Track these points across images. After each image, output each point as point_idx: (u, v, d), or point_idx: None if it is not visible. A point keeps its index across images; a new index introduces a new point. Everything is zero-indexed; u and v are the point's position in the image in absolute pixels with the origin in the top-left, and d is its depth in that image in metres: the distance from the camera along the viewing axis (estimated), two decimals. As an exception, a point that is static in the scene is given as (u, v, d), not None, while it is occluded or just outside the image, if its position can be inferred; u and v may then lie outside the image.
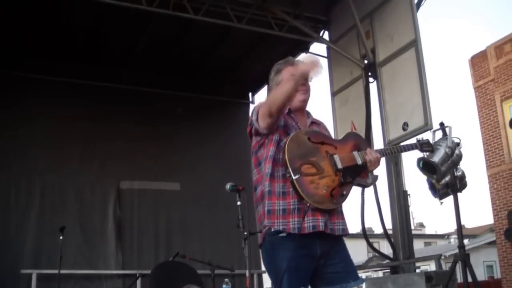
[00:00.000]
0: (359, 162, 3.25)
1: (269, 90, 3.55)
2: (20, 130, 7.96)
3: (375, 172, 3.41)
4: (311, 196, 3.13)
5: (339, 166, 3.21)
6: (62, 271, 6.71)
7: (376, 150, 3.36)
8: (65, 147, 8.28)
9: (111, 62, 8.52)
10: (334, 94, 8.24)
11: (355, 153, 3.30)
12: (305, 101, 3.49)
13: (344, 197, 3.23)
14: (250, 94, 10.24)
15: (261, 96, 10.12)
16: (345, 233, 3.27)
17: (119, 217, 8.53)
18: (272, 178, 3.21)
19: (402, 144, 3.64)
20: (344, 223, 3.29)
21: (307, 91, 3.47)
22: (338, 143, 3.34)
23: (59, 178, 8.24)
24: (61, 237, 6.48)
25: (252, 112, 3.35)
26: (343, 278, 3.22)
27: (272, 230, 3.07)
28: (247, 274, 2.97)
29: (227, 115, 9.69)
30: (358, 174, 3.26)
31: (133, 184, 8.74)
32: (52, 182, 8.21)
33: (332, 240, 3.22)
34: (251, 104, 10.18)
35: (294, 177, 3.09)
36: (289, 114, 3.46)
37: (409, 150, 3.58)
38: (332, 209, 3.20)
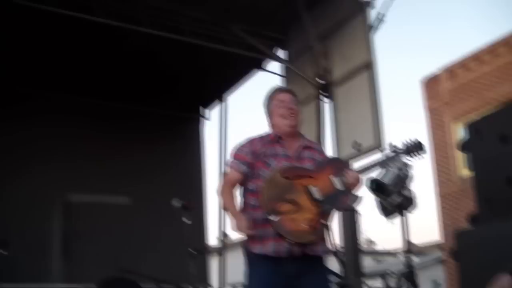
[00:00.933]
0: (339, 187, 3.29)
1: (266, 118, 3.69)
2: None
3: (360, 192, 3.44)
4: (291, 235, 3.22)
5: (316, 197, 3.26)
6: (6, 285, 6.51)
7: (356, 169, 3.43)
8: (9, 157, 8.03)
9: (53, 75, 8.31)
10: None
11: (335, 178, 3.34)
12: (292, 126, 3.57)
13: (325, 225, 3.32)
14: (203, 109, 10.20)
15: (212, 112, 10.07)
16: (325, 254, 3.40)
17: (65, 230, 8.34)
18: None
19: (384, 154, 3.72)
20: (325, 245, 3.39)
21: (295, 115, 3.56)
22: (316, 173, 3.39)
23: (2, 189, 8.02)
24: (3, 252, 6.26)
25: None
26: None
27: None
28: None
29: (178, 130, 9.63)
30: (339, 199, 3.31)
31: (81, 197, 8.57)
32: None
33: (307, 262, 3.29)
34: (201, 119, 10.13)
35: (274, 220, 3.18)
36: (278, 141, 3.54)
37: (390, 159, 3.68)
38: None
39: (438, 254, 27.03)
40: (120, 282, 5.93)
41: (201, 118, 10.14)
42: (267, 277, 3.27)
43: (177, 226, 6.86)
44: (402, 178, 4.64)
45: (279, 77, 8.52)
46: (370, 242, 39.79)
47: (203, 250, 3.47)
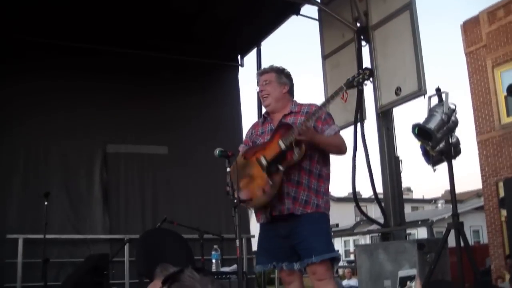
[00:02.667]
0: (283, 147, 3.52)
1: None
2: (1, 94, 7.73)
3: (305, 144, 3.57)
4: (247, 203, 3.66)
5: (263, 163, 3.55)
6: (48, 236, 6.63)
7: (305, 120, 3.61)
8: (49, 110, 8.06)
9: (96, 25, 8.23)
10: (325, 57, 8.08)
11: (280, 141, 3.56)
12: (267, 106, 3.93)
13: (273, 187, 3.53)
14: (239, 57, 9.99)
15: (251, 59, 9.90)
16: (291, 212, 3.60)
17: (105, 181, 8.41)
18: None
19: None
20: (290, 203, 3.60)
21: (267, 95, 3.89)
22: (267, 142, 3.70)
23: (43, 142, 8.09)
24: (45, 203, 6.37)
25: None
26: (306, 254, 3.54)
27: None
28: (237, 244, 2.89)
29: (216, 78, 9.49)
30: (284, 158, 3.53)
31: (120, 148, 8.60)
32: (36, 146, 8.06)
33: (292, 221, 3.59)
34: (240, 67, 9.98)
35: (237, 195, 3.47)
36: (267, 118, 3.95)
37: (337, 94, 3.76)
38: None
39: (477, 201, 26.86)
40: (162, 233, 5.95)
41: (237, 66, 9.96)
42: (265, 241, 3.75)
43: (215, 176, 6.89)
44: (448, 124, 4.47)
45: (315, 21, 8.29)
46: (408, 189, 39.67)
47: (245, 200, 3.52)
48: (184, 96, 8.95)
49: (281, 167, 3.50)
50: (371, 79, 3.83)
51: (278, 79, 3.92)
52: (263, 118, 4.00)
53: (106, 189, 8.39)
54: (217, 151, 3.42)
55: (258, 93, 4.04)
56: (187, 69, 9.09)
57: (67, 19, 7.98)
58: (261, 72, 4.00)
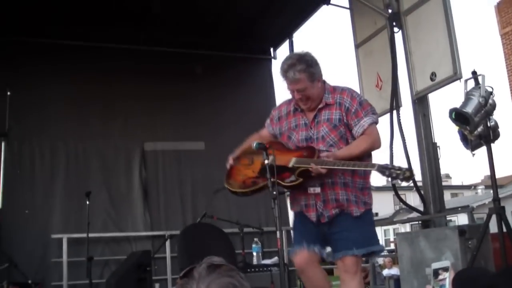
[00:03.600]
0: (290, 165, 3.52)
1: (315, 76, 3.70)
2: (39, 96, 7.90)
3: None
4: (226, 179, 3.92)
5: (265, 161, 3.49)
6: (91, 235, 6.79)
7: (325, 160, 3.45)
8: (86, 111, 8.25)
9: (127, 24, 8.33)
10: (358, 46, 8.01)
11: (294, 159, 3.54)
12: (309, 107, 3.75)
13: (253, 186, 3.66)
14: (271, 49, 9.98)
15: (283, 51, 9.87)
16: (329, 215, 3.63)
17: (144, 179, 8.53)
18: None
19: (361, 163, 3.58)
20: (341, 206, 3.60)
21: (304, 99, 3.71)
22: (287, 151, 3.69)
23: (82, 143, 8.26)
24: (87, 202, 6.51)
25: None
26: (344, 245, 3.56)
27: None
28: (278, 235, 2.91)
29: (249, 72, 9.53)
30: (281, 173, 3.50)
31: (157, 145, 8.70)
32: (75, 147, 8.23)
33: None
34: (273, 60, 9.98)
35: (230, 162, 3.90)
36: (299, 109, 3.82)
37: (365, 168, 3.57)
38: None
39: (518, 185, 26.37)
40: (202, 228, 6.03)
41: (270, 59, 9.96)
42: (302, 225, 3.83)
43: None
44: (485, 108, 4.41)
45: (346, 10, 8.23)
46: (446, 176, 39.16)
47: (284, 192, 3.60)
48: (218, 91, 9.00)
49: (271, 178, 3.43)
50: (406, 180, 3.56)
51: (310, 78, 3.63)
52: (296, 107, 3.83)
53: (145, 186, 8.50)
54: (254, 144, 3.44)
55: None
56: (220, 64, 9.14)
57: (102, 21, 8.11)
58: (292, 81, 3.64)
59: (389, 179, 3.53)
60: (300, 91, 3.61)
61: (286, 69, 3.64)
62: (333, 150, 3.56)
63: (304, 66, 3.61)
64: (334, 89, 3.73)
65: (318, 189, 3.54)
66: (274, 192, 3.18)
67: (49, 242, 7.59)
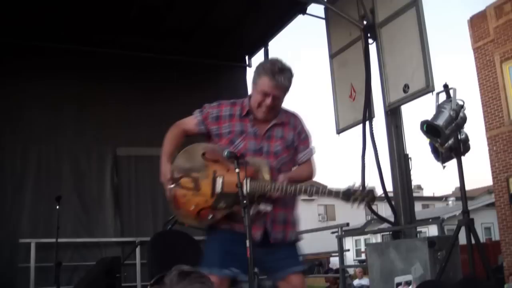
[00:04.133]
0: (244, 191, 3.09)
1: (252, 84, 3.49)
2: (12, 97, 7.80)
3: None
4: (176, 209, 3.32)
5: (217, 190, 3.22)
6: (60, 240, 6.71)
7: (284, 186, 3.18)
8: (59, 114, 8.18)
9: (104, 28, 8.28)
10: (332, 56, 8.09)
11: (247, 181, 3.15)
12: (264, 118, 3.45)
13: (211, 220, 3.23)
14: (246, 57, 10.02)
15: (258, 59, 9.89)
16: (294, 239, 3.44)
17: (116, 184, 8.47)
18: None
19: (328, 188, 3.26)
20: (292, 231, 3.42)
21: (272, 110, 3.41)
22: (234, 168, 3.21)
23: (54, 146, 8.16)
24: (57, 207, 6.43)
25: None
26: (290, 262, 3.38)
27: None
28: (247, 244, 2.87)
29: (223, 79, 9.53)
30: (235, 203, 3.14)
31: (130, 151, 8.65)
32: (47, 150, 8.14)
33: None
34: (247, 68, 10.00)
35: (169, 186, 3.28)
36: (249, 116, 3.47)
37: (329, 196, 3.22)
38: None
39: (488, 198, 26.74)
40: (172, 234, 5.98)
41: (245, 67, 9.99)
42: (228, 245, 3.34)
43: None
44: (456, 120, 4.47)
45: (322, 20, 8.29)
46: (418, 187, 39.55)
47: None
48: (193, 97, 8.88)
49: (227, 208, 3.19)
50: (370, 203, 3.36)
51: (287, 91, 3.50)
52: (244, 111, 3.49)
53: (117, 192, 8.45)
54: (225, 152, 3.33)
55: (252, 82, 3.50)
56: (195, 70, 9.14)
57: (75, 22, 8.05)
58: (278, 86, 3.40)
59: (354, 205, 3.22)
60: (276, 99, 3.42)
61: (277, 72, 3.39)
62: (282, 169, 3.41)
63: (292, 77, 3.49)
64: (286, 110, 3.61)
65: (269, 208, 3.25)
66: (245, 201, 3.08)
67: (17, 246, 7.47)
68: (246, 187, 3.10)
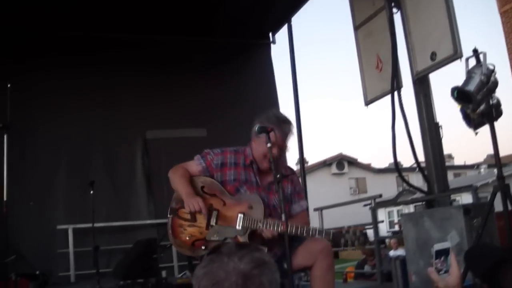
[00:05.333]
0: (238, 227, 3.26)
1: (252, 133, 3.61)
2: (41, 88, 7.88)
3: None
4: (172, 237, 3.47)
5: (212, 223, 3.33)
6: (96, 225, 6.82)
7: (272, 221, 3.24)
8: (88, 101, 8.25)
9: (126, 13, 8.27)
10: (356, 27, 7.97)
11: (241, 216, 3.30)
12: (266, 167, 3.51)
13: (204, 251, 3.32)
14: (270, 34, 9.93)
15: (282, 36, 9.80)
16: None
17: (147, 167, 8.55)
18: None
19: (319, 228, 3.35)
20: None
21: (272, 159, 3.34)
22: (231, 200, 3.41)
23: (84, 133, 8.27)
24: (91, 192, 6.52)
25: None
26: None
27: None
28: (283, 218, 2.89)
29: (248, 57, 9.49)
30: (228, 237, 3.28)
31: (159, 133, 8.72)
32: (78, 137, 8.24)
33: None
34: (272, 45, 9.93)
35: (168, 215, 3.51)
36: (252, 166, 3.60)
37: (319, 235, 3.27)
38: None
39: (521, 163, 26.34)
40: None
41: (269, 43, 9.91)
42: None
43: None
44: (487, 85, 4.39)
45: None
46: (449, 156, 39.14)
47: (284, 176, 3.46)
48: (218, 77, 8.99)
49: (222, 240, 3.28)
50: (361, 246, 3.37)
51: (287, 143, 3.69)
52: (248, 160, 3.65)
53: (148, 174, 8.54)
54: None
55: (254, 132, 3.61)
56: (219, 50, 9.13)
57: (101, 12, 8.05)
58: (285, 135, 3.62)
59: (342, 246, 3.31)
60: (281, 149, 3.57)
61: (282, 122, 3.57)
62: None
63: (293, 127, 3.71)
64: (285, 165, 3.83)
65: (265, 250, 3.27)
66: (278, 175, 3.09)
67: (55, 233, 7.63)
68: (239, 223, 3.27)
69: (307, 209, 3.71)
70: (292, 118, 3.75)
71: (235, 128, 8.58)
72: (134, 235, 7.85)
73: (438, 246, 2.06)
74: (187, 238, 3.39)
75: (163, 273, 6.57)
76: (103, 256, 7.46)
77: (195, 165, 3.70)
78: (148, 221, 8.27)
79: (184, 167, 3.75)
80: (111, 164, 8.37)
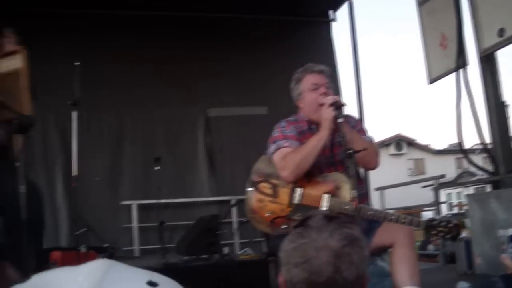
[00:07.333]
0: (323, 207, 3.08)
1: (294, 99, 3.60)
2: (105, 66, 8.04)
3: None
4: (251, 212, 3.28)
5: (295, 201, 3.17)
6: (159, 201, 6.98)
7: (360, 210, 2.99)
8: (149, 79, 8.36)
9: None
10: (420, 3, 7.80)
11: (326, 196, 3.12)
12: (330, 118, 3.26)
13: (284, 230, 3.13)
14: (331, 12, 9.80)
15: (342, 13, 9.65)
16: None
17: (209, 145, 8.65)
18: None
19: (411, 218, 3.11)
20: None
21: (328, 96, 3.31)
22: (316, 178, 3.23)
23: (147, 110, 8.42)
24: (158, 167, 6.64)
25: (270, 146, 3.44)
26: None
27: None
28: (355, 194, 2.87)
29: (307, 36, 9.37)
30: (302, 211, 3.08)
31: (220, 111, 8.78)
32: (140, 114, 8.43)
33: None
34: (331, 23, 9.80)
35: (247, 189, 3.29)
36: (311, 129, 3.46)
37: (410, 225, 3.07)
38: None
39: None
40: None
41: (329, 21, 9.80)
42: None
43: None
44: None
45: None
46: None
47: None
48: (279, 55, 8.94)
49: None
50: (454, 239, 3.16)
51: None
52: (307, 127, 3.49)
53: (210, 152, 8.64)
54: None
55: (296, 94, 3.60)
56: (279, 28, 9.06)
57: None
58: (321, 71, 3.62)
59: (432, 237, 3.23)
60: (327, 86, 3.50)
61: (311, 65, 3.65)
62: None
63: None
64: None
65: None
66: (349, 151, 2.99)
67: (119, 208, 7.87)
68: (325, 204, 3.11)
69: (372, 141, 3.51)
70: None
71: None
72: (196, 212, 7.95)
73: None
74: (267, 214, 3.23)
75: (225, 250, 6.67)
76: (166, 231, 7.62)
77: (289, 148, 3.36)
78: (210, 198, 8.40)
79: (284, 153, 3.35)
80: (173, 141, 8.49)
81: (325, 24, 9.76)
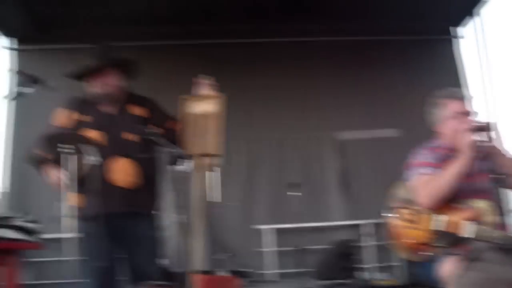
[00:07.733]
0: (466, 234, 2.93)
1: (432, 123, 3.64)
2: (238, 96, 8.25)
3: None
4: (391, 237, 3.39)
5: (437, 227, 3.09)
6: (294, 225, 7.06)
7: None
8: (282, 106, 8.61)
9: (297, 17, 8.48)
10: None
11: (468, 223, 2.97)
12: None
13: (428, 256, 3.09)
14: (451, 29, 9.47)
15: (468, 30, 9.23)
16: None
17: (341, 168, 8.63)
18: None
19: None
20: None
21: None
22: (457, 205, 3.14)
23: (280, 136, 8.63)
24: (292, 193, 6.72)
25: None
26: None
27: None
28: (499, 221, 2.72)
29: (428, 55, 9.14)
30: (455, 244, 2.93)
31: (350, 134, 8.76)
32: (275, 139, 8.64)
33: None
34: (453, 39, 9.46)
35: (385, 214, 3.40)
36: (448, 156, 3.36)
37: None
38: None
39: None
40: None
41: (453, 39, 9.47)
42: None
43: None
44: None
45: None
46: None
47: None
48: (400, 76, 8.83)
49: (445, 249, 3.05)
50: None
51: None
52: (448, 153, 3.42)
53: (342, 176, 8.61)
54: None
55: (437, 117, 3.66)
56: (397, 49, 8.92)
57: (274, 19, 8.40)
58: (463, 96, 3.57)
59: None
60: (472, 115, 3.44)
61: (454, 91, 3.62)
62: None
63: None
64: None
65: None
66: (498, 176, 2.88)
67: (254, 232, 8.04)
68: (469, 231, 2.96)
69: None
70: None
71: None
72: (329, 236, 7.96)
73: None
74: (411, 241, 3.23)
75: (364, 274, 6.59)
76: (299, 255, 7.68)
77: (429, 175, 3.36)
78: (343, 222, 8.34)
79: (424, 180, 3.36)
80: (305, 166, 8.59)
81: (446, 41, 9.46)
